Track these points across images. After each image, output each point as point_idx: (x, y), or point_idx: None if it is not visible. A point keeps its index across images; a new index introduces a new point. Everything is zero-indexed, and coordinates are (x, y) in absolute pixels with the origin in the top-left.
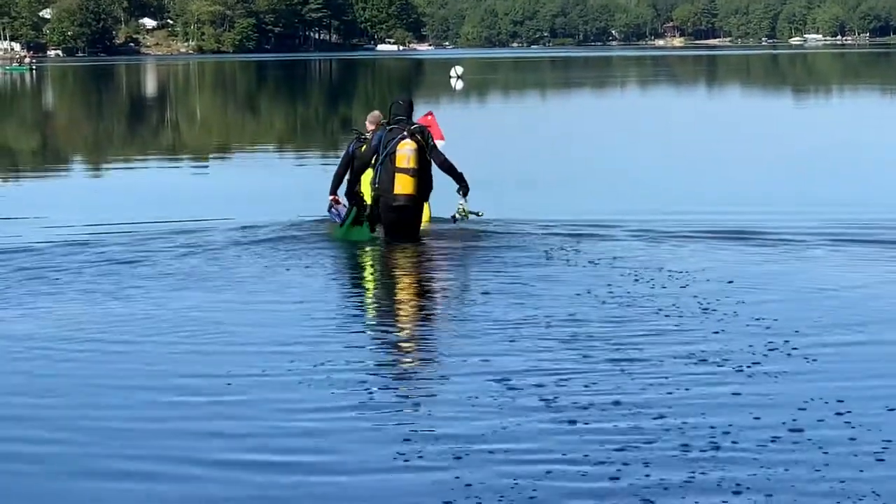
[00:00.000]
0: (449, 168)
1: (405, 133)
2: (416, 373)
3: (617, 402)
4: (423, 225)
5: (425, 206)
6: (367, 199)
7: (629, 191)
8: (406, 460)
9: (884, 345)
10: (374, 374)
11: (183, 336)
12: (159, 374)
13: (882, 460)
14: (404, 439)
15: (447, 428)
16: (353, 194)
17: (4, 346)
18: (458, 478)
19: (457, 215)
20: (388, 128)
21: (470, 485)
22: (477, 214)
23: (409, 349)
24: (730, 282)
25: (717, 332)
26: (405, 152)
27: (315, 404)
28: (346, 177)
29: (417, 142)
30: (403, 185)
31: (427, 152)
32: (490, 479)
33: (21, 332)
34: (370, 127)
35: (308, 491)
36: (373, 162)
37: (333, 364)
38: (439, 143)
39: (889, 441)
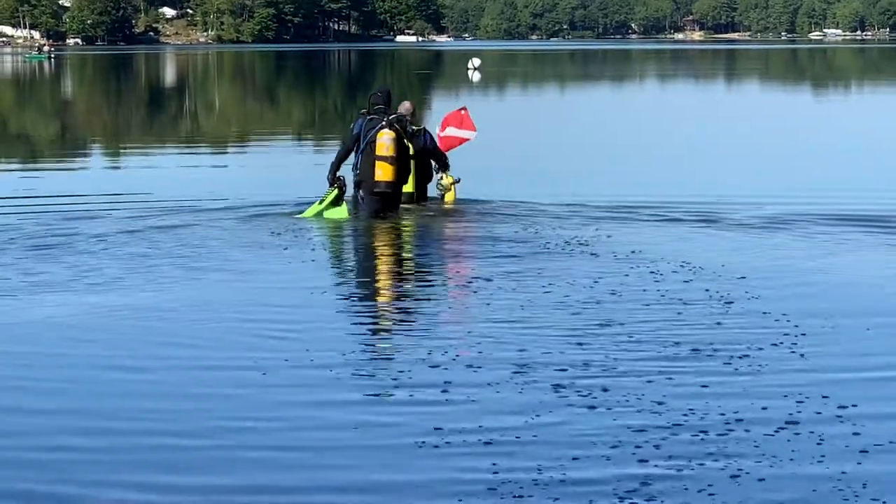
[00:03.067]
0: (430, 152)
1: (384, 122)
2: (424, 358)
3: (628, 390)
4: (448, 204)
5: (449, 182)
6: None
7: (644, 180)
8: (435, 447)
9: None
10: (383, 363)
11: (170, 321)
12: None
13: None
14: (431, 429)
15: (472, 418)
16: (336, 178)
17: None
18: (489, 466)
19: (438, 187)
20: (368, 117)
21: (497, 473)
22: (456, 182)
23: (418, 334)
24: (742, 277)
25: (724, 324)
26: (384, 141)
27: (335, 396)
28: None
29: (396, 131)
30: (384, 171)
31: (405, 140)
32: (518, 466)
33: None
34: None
35: (332, 481)
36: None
37: (347, 355)
38: (469, 134)
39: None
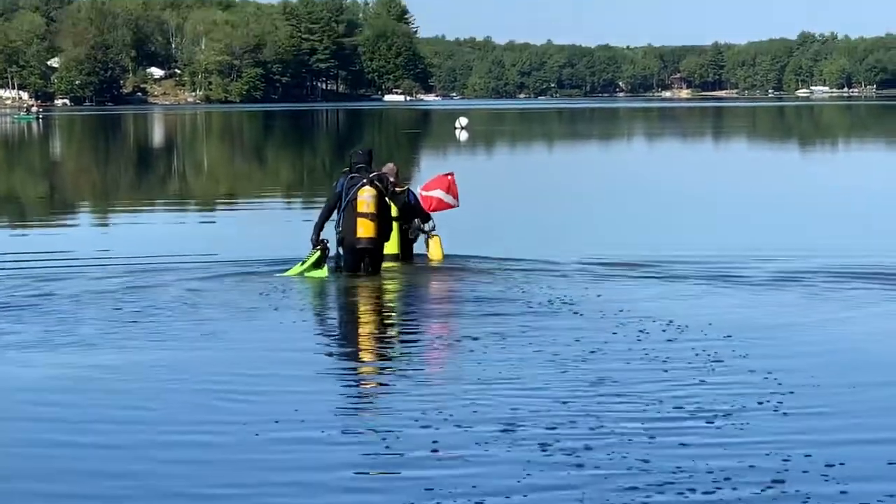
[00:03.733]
0: (411, 209)
1: (365, 180)
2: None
3: (614, 449)
4: (434, 262)
5: (436, 241)
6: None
7: (634, 237)
8: None
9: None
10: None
11: (163, 380)
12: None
13: None
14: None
15: (462, 478)
16: (319, 239)
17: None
18: None
19: (410, 233)
20: (349, 175)
21: None
22: (431, 231)
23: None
24: (728, 336)
25: (708, 382)
26: (365, 198)
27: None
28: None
29: (377, 188)
30: (365, 228)
31: (386, 197)
32: None
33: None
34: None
35: None
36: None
37: (337, 416)
38: (453, 202)
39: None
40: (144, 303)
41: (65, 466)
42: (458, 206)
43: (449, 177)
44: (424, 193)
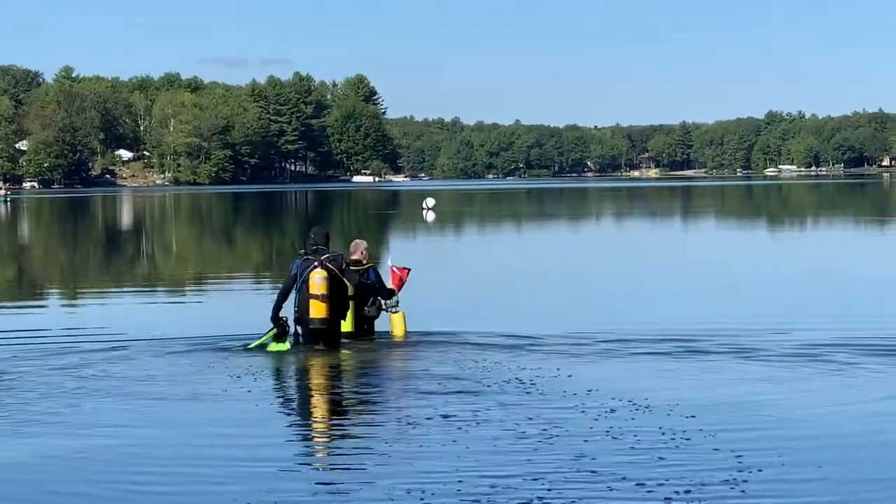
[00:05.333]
0: (369, 287)
1: (316, 262)
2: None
3: None
4: (397, 338)
5: (399, 318)
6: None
7: (604, 315)
8: None
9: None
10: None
11: (134, 466)
12: None
13: None
14: None
15: None
16: (278, 318)
17: None
18: None
19: (367, 311)
20: (304, 257)
21: None
22: (393, 307)
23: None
24: (692, 416)
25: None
26: (316, 280)
27: None
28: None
29: (328, 269)
30: (317, 309)
31: (343, 278)
32: None
33: None
34: (354, 256)
35: None
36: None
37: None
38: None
39: None
40: (105, 381)
41: None
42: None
43: (404, 273)
44: (395, 269)
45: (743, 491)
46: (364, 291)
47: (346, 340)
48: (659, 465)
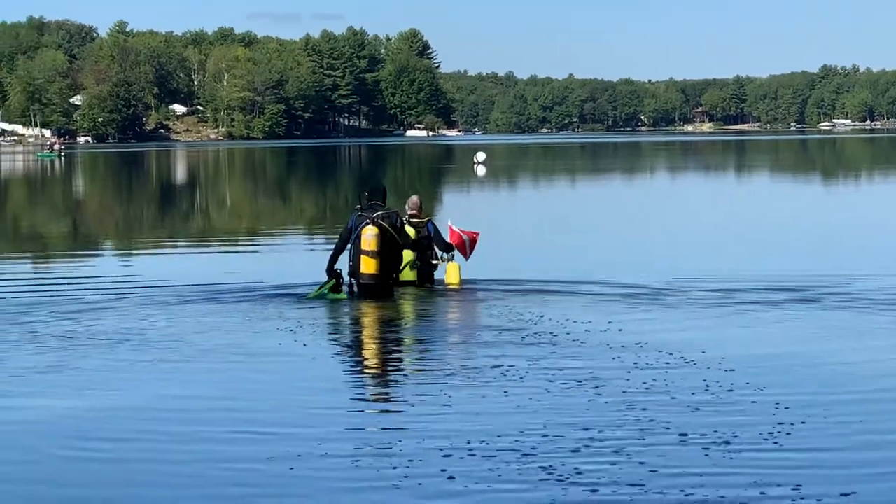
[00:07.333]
0: (434, 240)
1: (368, 220)
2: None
3: (608, 467)
4: (452, 286)
5: (454, 267)
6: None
7: (660, 266)
8: None
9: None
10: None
11: (185, 410)
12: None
13: None
14: None
15: None
16: (333, 270)
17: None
18: None
19: (437, 261)
20: (358, 213)
21: None
22: (449, 259)
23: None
24: (731, 370)
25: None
26: (367, 236)
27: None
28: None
29: (380, 226)
30: (367, 265)
31: (396, 235)
32: None
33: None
34: (410, 211)
35: None
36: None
37: (358, 445)
38: (467, 249)
39: None
40: (173, 330)
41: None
42: (466, 259)
43: (476, 235)
44: (454, 228)
45: (775, 442)
46: (424, 243)
47: (405, 290)
48: (708, 415)
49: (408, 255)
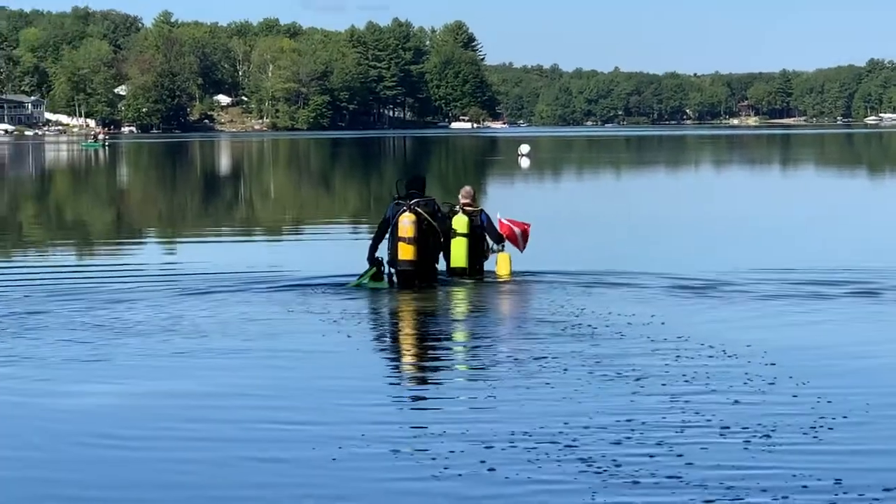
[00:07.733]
0: (485, 230)
1: (405, 207)
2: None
3: (654, 459)
4: (502, 277)
5: (505, 258)
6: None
7: (695, 258)
8: None
9: None
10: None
11: (229, 397)
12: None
13: None
14: None
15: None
16: (374, 258)
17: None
18: None
19: (489, 252)
20: (397, 201)
21: None
22: (500, 250)
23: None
24: (773, 364)
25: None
26: (404, 224)
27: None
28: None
29: (417, 213)
30: (404, 251)
31: (433, 222)
32: None
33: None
34: (463, 200)
35: None
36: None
37: (396, 431)
38: (520, 245)
39: None
40: (215, 320)
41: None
42: (521, 251)
43: (527, 226)
44: (504, 220)
45: (816, 437)
46: (478, 232)
47: (453, 279)
48: (749, 408)
49: (459, 243)
